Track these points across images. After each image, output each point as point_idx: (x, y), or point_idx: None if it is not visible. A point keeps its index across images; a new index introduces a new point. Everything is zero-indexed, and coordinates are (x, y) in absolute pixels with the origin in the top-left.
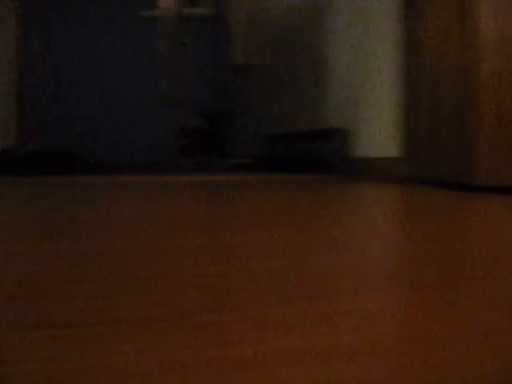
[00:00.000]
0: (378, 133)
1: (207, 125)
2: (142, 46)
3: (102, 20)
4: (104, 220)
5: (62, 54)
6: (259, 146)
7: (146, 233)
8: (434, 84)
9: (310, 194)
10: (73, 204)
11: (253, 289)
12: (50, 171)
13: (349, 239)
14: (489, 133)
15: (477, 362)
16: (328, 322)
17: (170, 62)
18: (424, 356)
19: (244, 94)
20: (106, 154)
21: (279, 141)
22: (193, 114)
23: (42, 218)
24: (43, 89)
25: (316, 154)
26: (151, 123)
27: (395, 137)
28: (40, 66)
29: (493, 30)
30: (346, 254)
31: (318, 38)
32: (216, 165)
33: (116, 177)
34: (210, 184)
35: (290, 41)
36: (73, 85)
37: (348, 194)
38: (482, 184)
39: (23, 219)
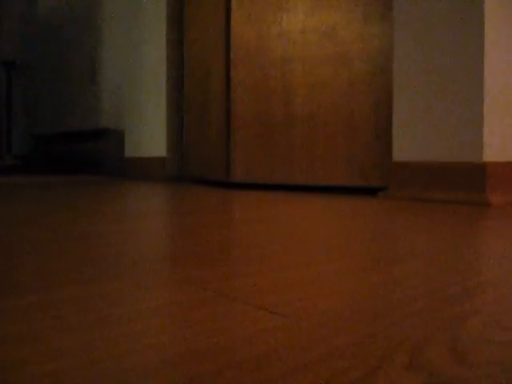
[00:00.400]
0: (149, 133)
1: None
2: None
3: None
4: None
5: None
6: (28, 146)
7: None
8: (203, 88)
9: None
10: None
11: None
12: None
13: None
14: (242, 134)
15: None
16: None
17: None
18: None
19: (12, 92)
20: None
21: (49, 141)
22: None
23: None
24: None
25: (87, 155)
26: None
27: (165, 137)
28: None
29: (245, 40)
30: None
31: (91, 35)
32: None
33: None
34: None
35: (60, 37)
36: None
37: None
38: (238, 181)
39: None
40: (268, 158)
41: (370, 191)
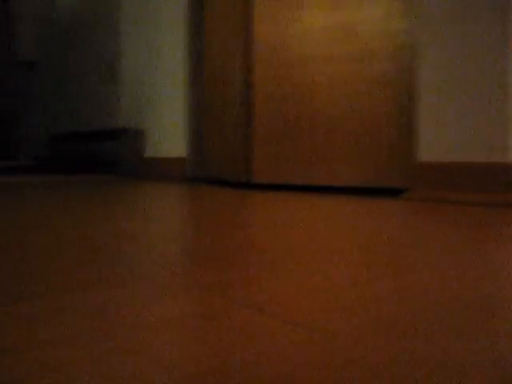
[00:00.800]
0: (169, 133)
1: None
2: None
3: None
4: None
5: None
6: (45, 147)
7: None
8: (222, 89)
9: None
10: None
11: None
12: None
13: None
14: (261, 137)
15: None
16: None
17: None
18: None
19: (28, 92)
20: None
21: (66, 141)
22: None
23: None
24: None
25: (105, 154)
26: None
27: (184, 138)
28: None
29: (265, 39)
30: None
31: (109, 35)
32: None
33: None
34: None
35: (78, 37)
36: None
37: (125, 193)
38: (258, 182)
39: None
40: (288, 159)
41: (389, 192)
